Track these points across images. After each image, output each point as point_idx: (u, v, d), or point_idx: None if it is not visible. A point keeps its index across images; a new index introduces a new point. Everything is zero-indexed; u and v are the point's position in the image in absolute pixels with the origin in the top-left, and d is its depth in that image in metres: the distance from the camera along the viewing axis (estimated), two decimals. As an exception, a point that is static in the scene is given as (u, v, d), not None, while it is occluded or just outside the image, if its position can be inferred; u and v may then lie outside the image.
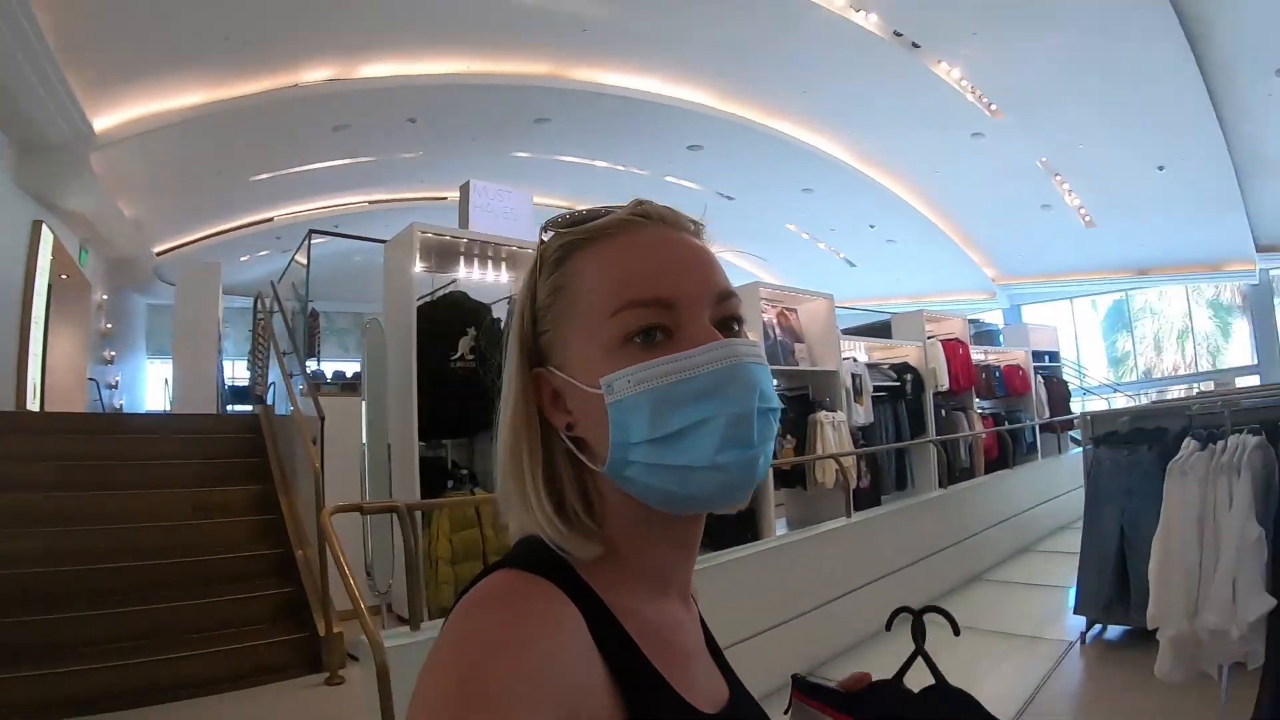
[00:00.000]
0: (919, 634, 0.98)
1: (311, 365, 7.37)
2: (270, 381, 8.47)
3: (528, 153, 13.62)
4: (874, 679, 0.88)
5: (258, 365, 9.25)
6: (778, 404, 0.73)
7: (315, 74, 10.06)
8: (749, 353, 0.71)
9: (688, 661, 0.76)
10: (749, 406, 0.68)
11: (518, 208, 6.92)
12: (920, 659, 0.96)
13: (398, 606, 5.22)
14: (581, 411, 0.72)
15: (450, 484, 5.67)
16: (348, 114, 10.81)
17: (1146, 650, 4.32)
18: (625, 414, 0.68)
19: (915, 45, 11.16)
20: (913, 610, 1.02)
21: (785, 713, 0.89)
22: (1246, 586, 2.81)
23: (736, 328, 0.75)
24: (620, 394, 0.68)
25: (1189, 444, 3.44)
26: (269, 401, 8.13)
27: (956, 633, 1.10)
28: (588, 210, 0.77)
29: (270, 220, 14.01)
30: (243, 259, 14.94)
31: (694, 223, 0.80)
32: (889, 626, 1.05)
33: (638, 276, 0.71)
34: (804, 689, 0.89)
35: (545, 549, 0.71)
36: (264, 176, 12.27)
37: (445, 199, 14.73)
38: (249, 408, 10.73)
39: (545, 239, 0.78)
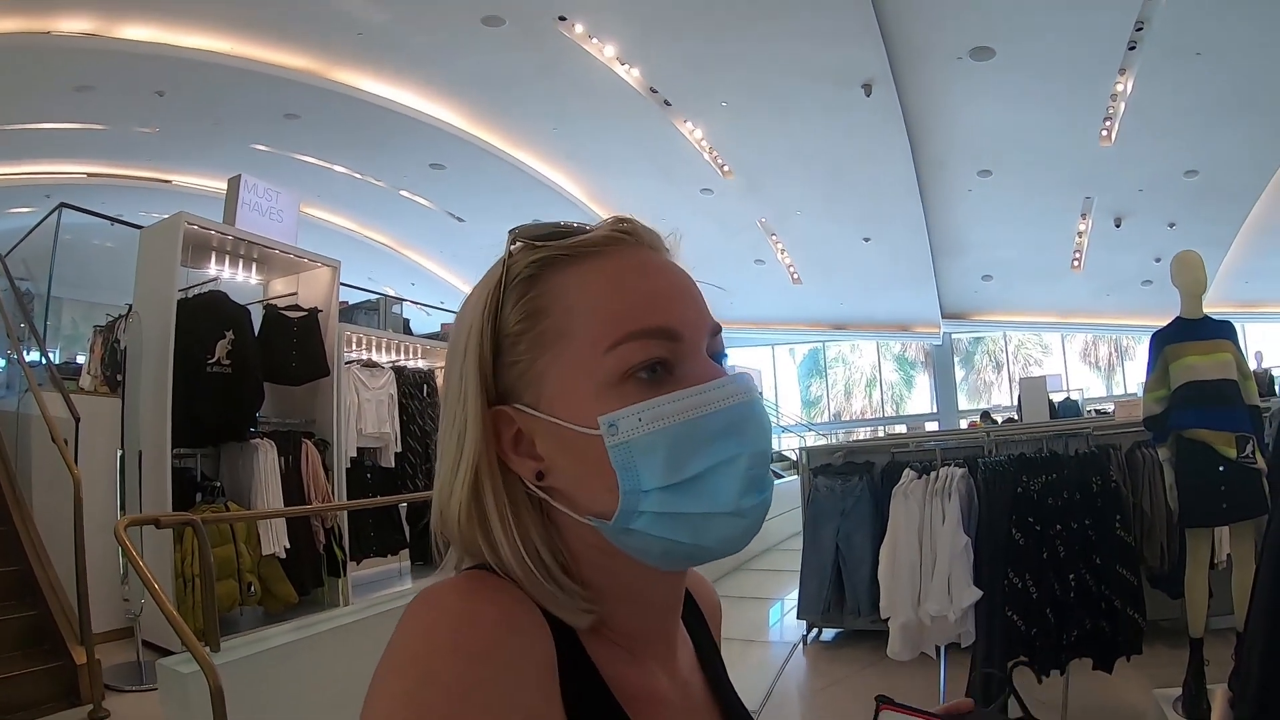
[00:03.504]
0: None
1: (35, 355, 6.59)
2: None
3: (268, 146, 12.90)
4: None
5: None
6: None
7: (73, 23, 9.07)
8: (755, 388, 0.64)
9: None
10: (767, 445, 0.63)
11: (285, 209, 6.61)
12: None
13: (148, 630, 4.96)
14: (561, 456, 0.62)
15: (200, 496, 5.41)
16: (96, 75, 9.78)
17: (860, 647, 5.15)
18: (634, 457, 0.59)
19: (667, 103, 12.04)
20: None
21: None
22: (959, 581, 3.55)
23: (725, 361, 0.67)
24: (627, 435, 0.59)
25: (908, 474, 4.17)
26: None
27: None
28: (558, 224, 0.67)
29: (-27, 181, 12.40)
30: (-72, 220, 13.06)
31: (668, 241, 0.72)
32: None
33: (638, 304, 0.62)
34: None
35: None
36: (-14, 128, 10.92)
37: (170, 182, 13.85)
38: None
39: (513, 250, 0.66)
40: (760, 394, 0.65)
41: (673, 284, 0.66)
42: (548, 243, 0.65)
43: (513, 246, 0.66)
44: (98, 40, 9.39)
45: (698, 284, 0.70)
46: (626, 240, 0.66)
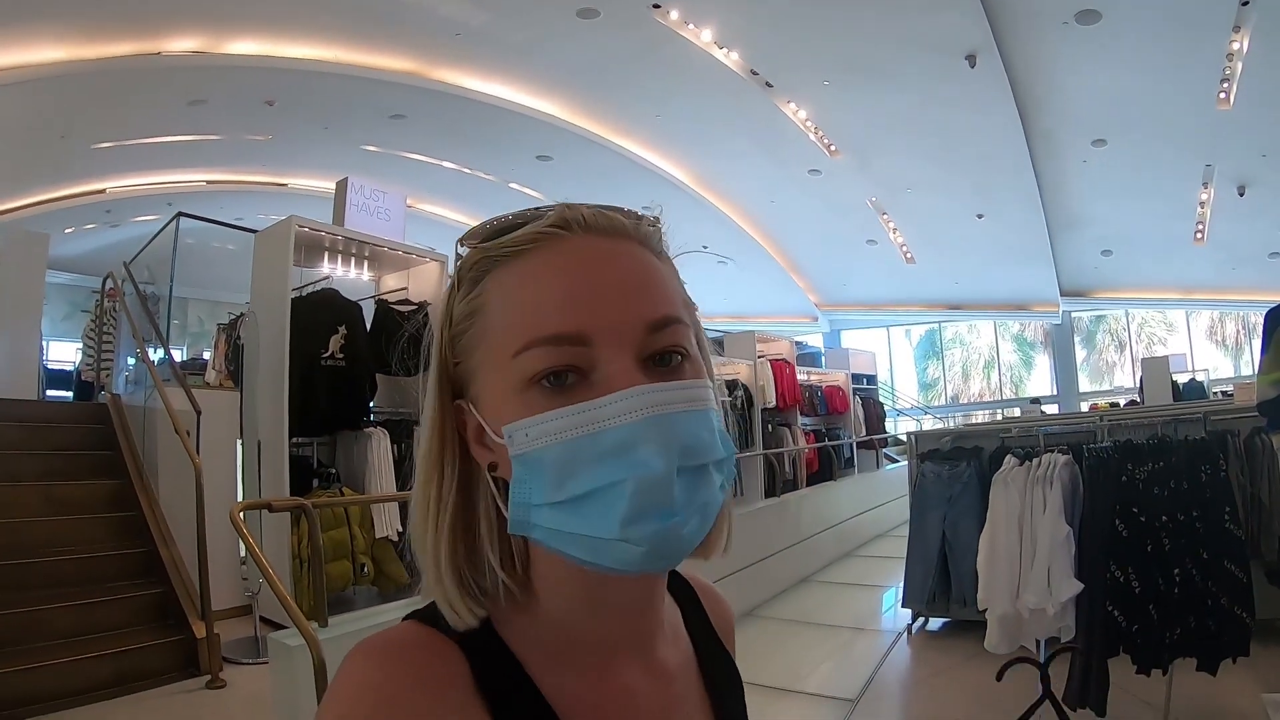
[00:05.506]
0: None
1: (159, 353, 6.97)
2: (120, 370, 7.99)
3: (377, 147, 13.43)
4: None
5: (100, 351, 8.69)
6: (719, 454, 0.61)
7: (181, 44, 9.61)
8: (677, 399, 0.59)
9: None
10: (667, 468, 0.56)
11: (392, 208, 6.87)
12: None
13: (263, 608, 5.25)
14: (500, 454, 0.61)
15: (316, 483, 5.63)
16: (206, 89, 10.38)
17: (965, 638, 5.05)
18: (527, 470, 0.58)
19: (769, 85, 11.96)
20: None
21: None
22: (1059, 573, 3.46)
23: (678, 361, 0.62)
24: (521, 447, 0.58)
25: (1010, 460, 4.06)
26: (116, 391, 7.61)
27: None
28: (511, 217, 0.65)
29: (103, 192, 13.11)
30: (67, 230, 13.91)
31: (635, 221, 0.66)
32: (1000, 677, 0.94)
33: (545, 307, 0.60)
34: None
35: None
36: (107, 145, 11.52)
37: (285, 185, 14.54)
38: (69, 394, 10.04)
39: (461, 253, 0.66)
40: (690, 405, 0.60)
41: (593, 280, 0.61)
42: (485, 244, 0.64)
43: (460, 249, 0.66)
44: (206, 57, 9.91)
45: (658, 270, 0.65)
46: (556, 234, 0.62)
